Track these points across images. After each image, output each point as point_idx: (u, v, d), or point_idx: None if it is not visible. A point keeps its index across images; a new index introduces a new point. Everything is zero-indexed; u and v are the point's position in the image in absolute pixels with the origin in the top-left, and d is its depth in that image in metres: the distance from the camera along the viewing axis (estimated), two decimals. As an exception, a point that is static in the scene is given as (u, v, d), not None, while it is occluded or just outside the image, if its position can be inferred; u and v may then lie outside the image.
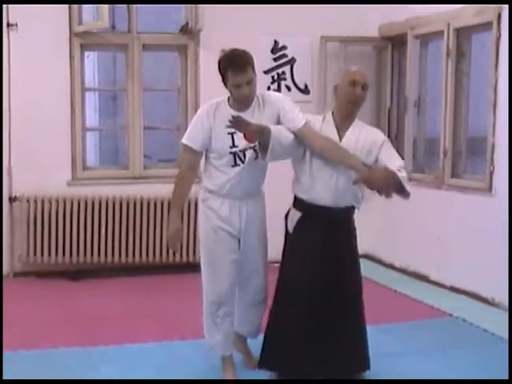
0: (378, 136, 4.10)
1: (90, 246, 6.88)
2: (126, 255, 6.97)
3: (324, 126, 4.04)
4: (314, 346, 4.03)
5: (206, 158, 4.12)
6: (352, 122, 4.05)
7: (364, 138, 4.01)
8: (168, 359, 4.62)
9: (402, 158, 7.18)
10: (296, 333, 4.02)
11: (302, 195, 4.06)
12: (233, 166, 4.00)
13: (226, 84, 3.96)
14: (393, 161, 3.98)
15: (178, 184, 4.10)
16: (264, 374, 4.19)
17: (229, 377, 4.19)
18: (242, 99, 3.96)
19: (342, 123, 4.02)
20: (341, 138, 4.00)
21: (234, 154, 3.98)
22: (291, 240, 4.13)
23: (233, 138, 3.96)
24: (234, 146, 3.97)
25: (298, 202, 4.10)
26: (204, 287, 4.21)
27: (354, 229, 4.17)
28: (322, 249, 4.02)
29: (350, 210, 4.10)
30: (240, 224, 4.10)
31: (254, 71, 3.95)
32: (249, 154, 4.00)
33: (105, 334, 5.12)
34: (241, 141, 3.96)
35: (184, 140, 4.07)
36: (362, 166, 3.83)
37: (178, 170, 4.20)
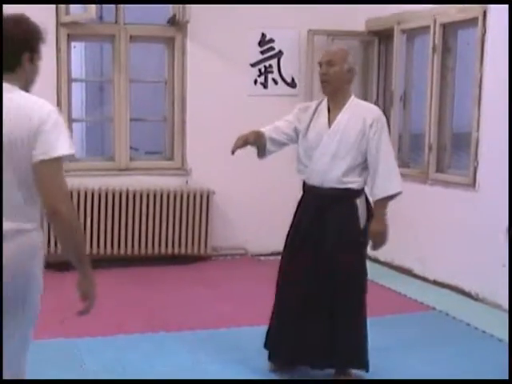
0: (369, 114, 4.04)
1: (75, 238, 6.86)
2: (112, 247, 6.97)
3: (318, 111, 4.12)
4: (302, 332, 4.05)
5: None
6: (345, 102, 4.05)
7: (355, 121, 4.00)
8: (152, 351, 4.63)
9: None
10: (286, 319, 4.10)
11: (301, 175, 4.18)
12: None
13: (31, 59, 3.07)
14: (383, 165, 4.00)
15: None
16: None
17: None
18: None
19: (334, 106, 4.07)
20: (330, 123, 4.04)
21: None
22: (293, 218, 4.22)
23: None
24: None
25: (303, 184, 4.22)
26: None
27: (351, 213, 4.06)
28: (309, 228, 4.05)
29: (341, 193, 4.02)
30: None
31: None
32: None
33: (90, 326, 5.11)
34: None
35: None
36: None
37: None
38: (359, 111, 4.05)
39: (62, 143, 2.62)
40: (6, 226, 2.60)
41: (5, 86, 2.69)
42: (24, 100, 2.72)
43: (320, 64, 4.08)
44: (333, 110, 4.07)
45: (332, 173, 4.00)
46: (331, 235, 4.01)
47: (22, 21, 2.78)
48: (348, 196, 4.04)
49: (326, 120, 4.07)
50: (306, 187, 4.16)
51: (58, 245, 6.80)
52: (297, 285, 4.06)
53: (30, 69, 2.84)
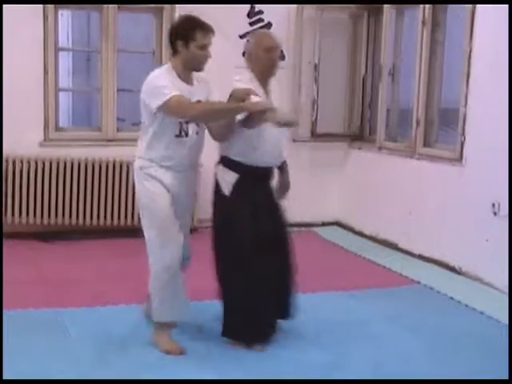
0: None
1: (61, 208, 6.85)
2: (98, 217, 6.95)
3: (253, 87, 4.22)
4: (270, 305, 4.25)
5: (149, 125, 4.13)
6: (268, 84, 4.36)
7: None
8: (138, 322, 4.64)
9: (375, 127, 7.23)
10: (255, 297, 4.21)
11: (240, 158, 4.23)
12: (176, 137, 4.05)
13: (185, 45, 3.98)
14: None
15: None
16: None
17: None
18: (203, 62, 4.09)
19: (265, 82, 4.31)
20: (267, 94, 4.29)
21: (181, 124, 4.04)
22: (230, 202, 4.24)
23: None
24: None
25: (232, 165, 4.27)
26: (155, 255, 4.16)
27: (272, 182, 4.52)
28: (263, 205, 4.29)
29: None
30: (179, 190, 4.17)
31: None
32: (191, 127, 4.09)
33: (75, 296, 5.13)
34: None
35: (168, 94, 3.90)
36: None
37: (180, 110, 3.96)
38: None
39: (156, 99, 3.89)
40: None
41: (167, 65, 4.04)
42: (152, 73, 3.98)
43: (271, 49, 4.22)
44: (264, 86, 4.30)
45: (283, 150, 4.36)
46: (274, 205, 4.39)
47: (181, 17, 4.16)
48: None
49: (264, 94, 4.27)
50: (245, 167, 4.22)
51: (44, 217, 6.81)
52: (265, 259, 4.18)
53: (187, 53, 3.95)
